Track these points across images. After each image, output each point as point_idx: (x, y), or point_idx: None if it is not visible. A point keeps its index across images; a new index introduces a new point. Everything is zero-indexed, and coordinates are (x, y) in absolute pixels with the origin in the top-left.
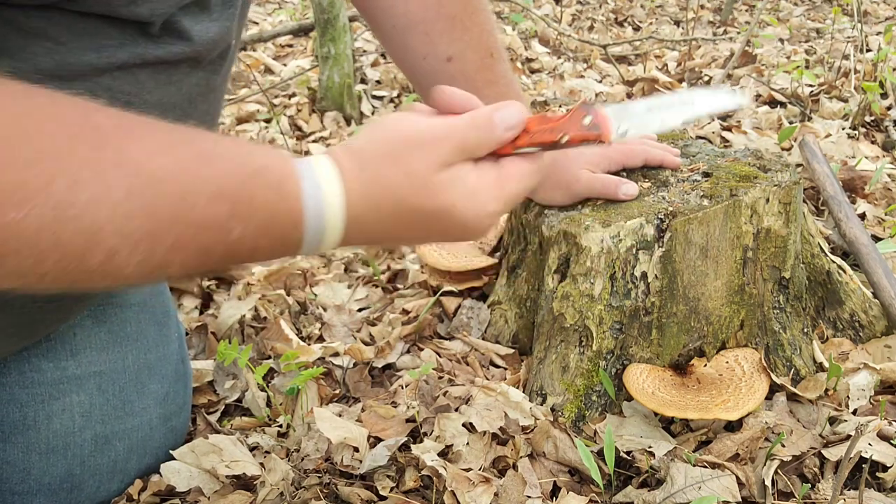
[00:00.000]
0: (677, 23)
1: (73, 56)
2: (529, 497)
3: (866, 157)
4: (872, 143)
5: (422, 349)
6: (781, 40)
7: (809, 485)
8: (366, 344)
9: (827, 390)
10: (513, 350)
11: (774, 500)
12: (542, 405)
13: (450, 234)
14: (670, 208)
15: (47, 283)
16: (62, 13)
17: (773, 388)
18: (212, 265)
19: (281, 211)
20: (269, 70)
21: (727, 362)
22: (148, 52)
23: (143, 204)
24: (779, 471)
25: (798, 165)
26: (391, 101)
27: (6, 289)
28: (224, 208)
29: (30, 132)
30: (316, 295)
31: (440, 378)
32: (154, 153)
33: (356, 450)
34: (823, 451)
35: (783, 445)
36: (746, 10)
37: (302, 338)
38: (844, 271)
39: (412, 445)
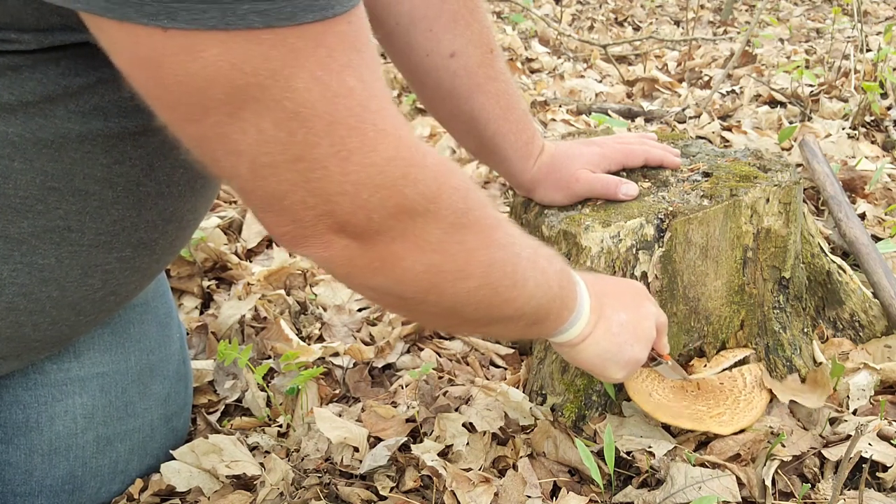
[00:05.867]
0: (677, 23)
1: None
2: (529, 497)
3: (866, 157)
4: (872, 143)
5: (422, 349)
6: (781, 40)
7: (809, 485)
8: (366, 344)
9: None
10: (513, 350)
11: (774, 500)
12: (542, 405)
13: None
14: (670, 208)
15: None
16: None
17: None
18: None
19: (567, 299)
20: None
21: (730, 371)
22: None
23: (529, 279)
24: (779, 471)
25: (798, 165)
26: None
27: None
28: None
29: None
30: (316, 295)
31: (440, 378)
32: (535, 255)
33: (356, 450)
34: (823, 451)
35: (783, 445)
36: (746, 10)
37: (302, 338)
38: (844, 271)
39: (412, 445)
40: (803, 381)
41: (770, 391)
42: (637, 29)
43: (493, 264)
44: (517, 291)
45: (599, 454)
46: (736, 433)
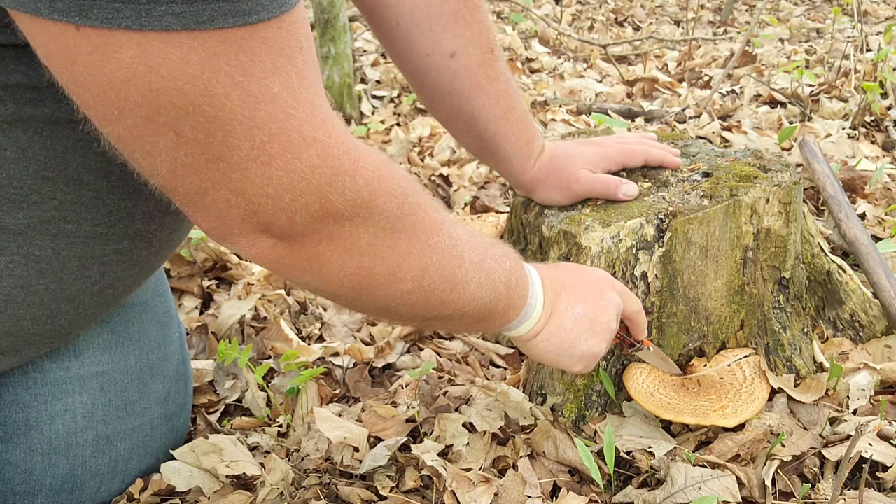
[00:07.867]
0: (677, 23)
1: None
2: (529, 497)
3: (866, 157)
4: (872, 143)
5: (422, 349)
6: (781, 40)
7: (809, 485)
8: (366, 344)
9: (827, 390)
10: (513, 350)
11: (774, 500)
12: (542, 405)
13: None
14: (670, 208)
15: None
16: None
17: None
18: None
19: (514, 299)
20: None
21: (728, 365)
22: None
23: (473, 279)
24: (779, 471)
25: (798, 165)
26: (391, 100)
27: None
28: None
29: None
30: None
31: (440, 378)
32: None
33: (356, 450)
34: (823, 451)
35: (783, 445)
36: (746, 10)
37: (302, 338)
38: (844, 271)
39: (412, 445)
40: (797, 386)
41: (769, 381)
42: (637, 29)
43: (427, 268)
44: (456, 294)
45: (599, 454)
46: (737, 432)
